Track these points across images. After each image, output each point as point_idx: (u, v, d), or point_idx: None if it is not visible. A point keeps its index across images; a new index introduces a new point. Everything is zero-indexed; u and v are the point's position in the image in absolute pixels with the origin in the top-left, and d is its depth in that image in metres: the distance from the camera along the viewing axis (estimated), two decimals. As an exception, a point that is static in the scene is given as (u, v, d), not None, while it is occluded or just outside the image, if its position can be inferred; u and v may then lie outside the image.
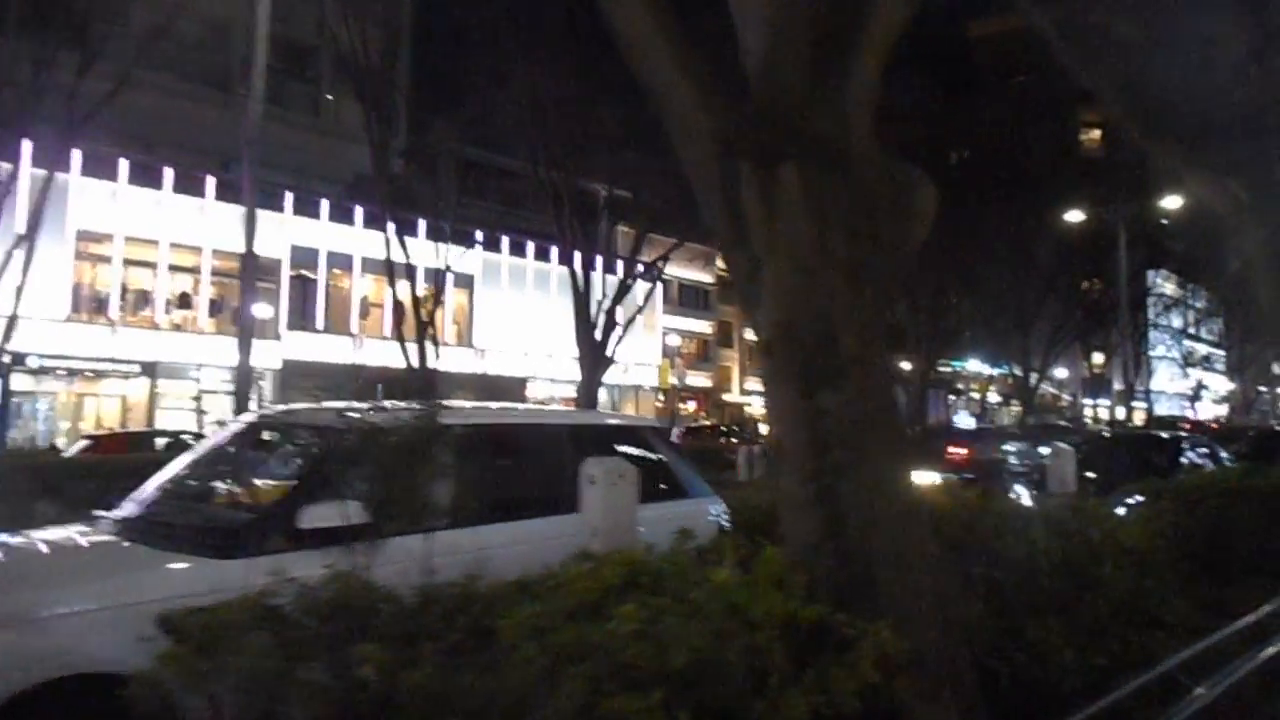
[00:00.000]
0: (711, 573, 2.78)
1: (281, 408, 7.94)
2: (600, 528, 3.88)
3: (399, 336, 25.70)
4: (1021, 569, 3.48)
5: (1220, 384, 70.56)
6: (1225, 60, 9.87)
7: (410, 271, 25.63)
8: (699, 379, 44.32)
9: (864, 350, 3.47)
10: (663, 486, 5.34)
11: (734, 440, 25.62)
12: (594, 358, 28.28)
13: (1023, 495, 9.73)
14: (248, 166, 14.43)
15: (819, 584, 3.31)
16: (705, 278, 43.83)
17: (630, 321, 28.65)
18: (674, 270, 42.92)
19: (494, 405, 7.06)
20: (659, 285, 41.20)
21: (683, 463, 5.64)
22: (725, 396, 45.75)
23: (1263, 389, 69.09)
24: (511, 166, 30.75)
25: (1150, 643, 3.64)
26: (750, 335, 45.55)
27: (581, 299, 28.23)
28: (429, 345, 26.19)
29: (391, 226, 25.22)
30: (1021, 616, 3.44)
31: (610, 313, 28.71)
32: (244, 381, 13.94)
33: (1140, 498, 8.01)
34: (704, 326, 45.09)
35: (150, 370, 27.76)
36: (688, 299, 44.13)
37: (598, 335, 28.40)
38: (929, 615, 3.31)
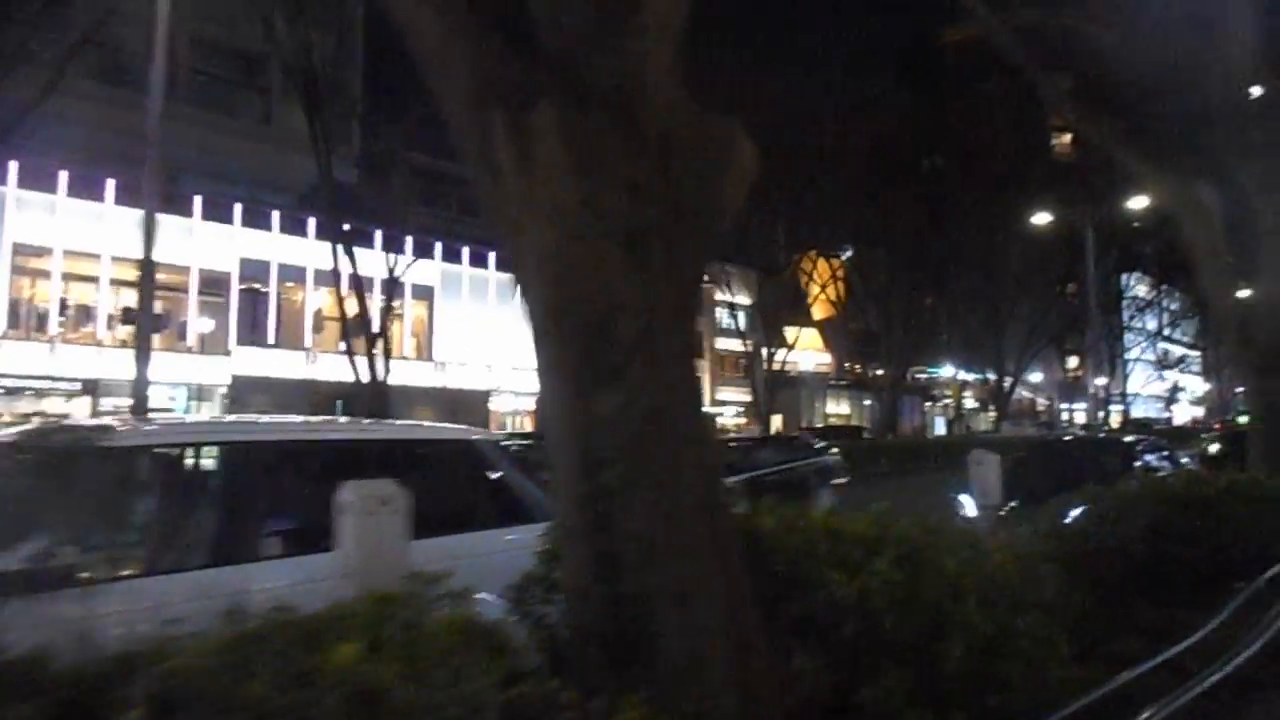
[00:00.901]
0: (331, 650, 1.98)
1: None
2: (356, 566, 3.13)
3: (348, 350, 24.95)
4: (855, 609, 2.79)
5: (1197, 385, 70.54)
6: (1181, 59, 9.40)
7: (359, 283, 24.89)
8: (669, 389, 43.61)
9: (651, 338, 2.77)
10: (492, 511, 4.61)
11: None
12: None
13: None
14: (149, 170, 13.60)
15: (590, 638, 2.61)
16: (674, 286, 43.26)
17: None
18: (642, 279, 42.38)
19: (259, 419, 6.15)
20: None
21: (526, 482, 4.89)
22: (696, 407, 45.09)
23: (1240, 389, 69.04)
24: (470, 175, 29.94)
25: (1013, 702, 2.93)
26: (722, 345, 44.99)
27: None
28: (381, 359, 25.54)
29: (339, 237, 24.58)
30: (855, 670, 2.74)
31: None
32: (141, 397, 13.10)
33: (1082, 507, 7.38)
34: (673, 336, 44.45)
35: (92, 388, 26.80)
36: (656, 308, 43.48)
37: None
38: (725, 674, 2.60)
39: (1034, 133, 46.45)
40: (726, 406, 45.94)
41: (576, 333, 2.81)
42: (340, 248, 24.54)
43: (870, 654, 2.77)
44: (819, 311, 49.53)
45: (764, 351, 37.85)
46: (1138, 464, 11.14)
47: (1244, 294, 8.28)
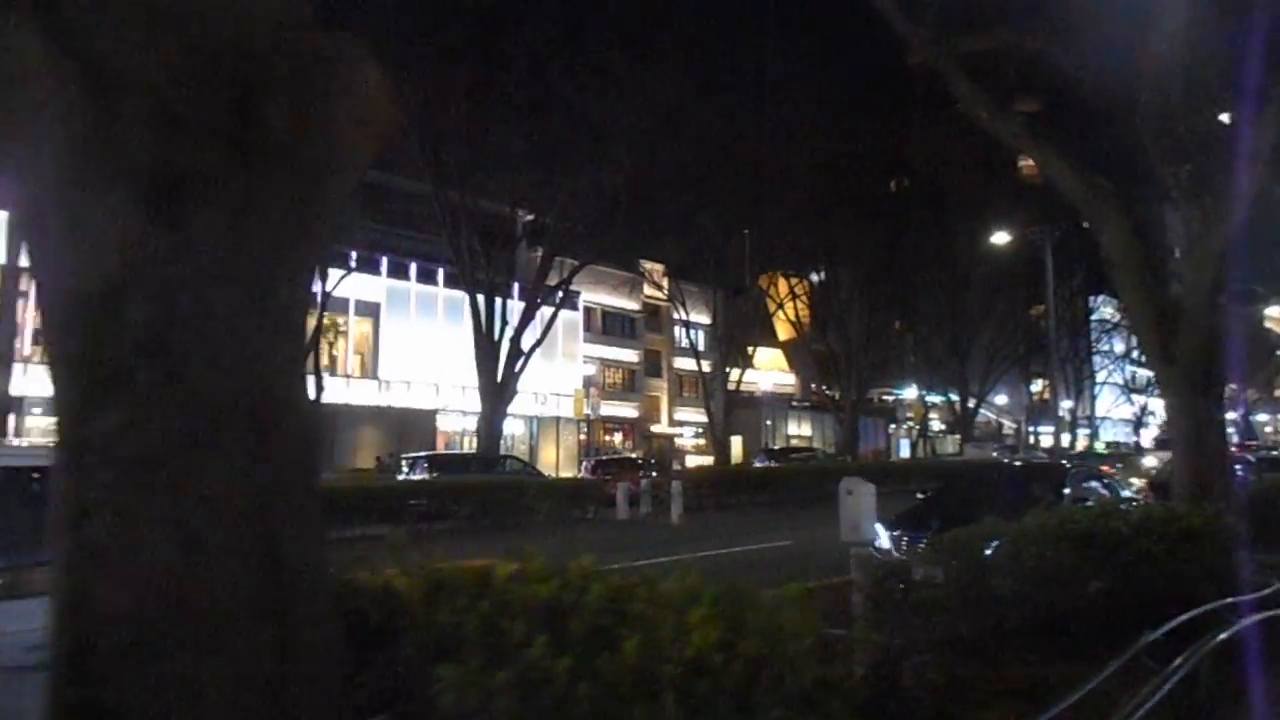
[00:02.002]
0: None
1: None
2: None
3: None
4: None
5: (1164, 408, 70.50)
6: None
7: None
8: (626, 409, 42.71)
9: (179, 336, 1.91)
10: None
11: (637, 473, 23.99)
12: (495, 389, 26.62)
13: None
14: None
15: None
16: (630, 305, 42.45)
17: (533, 350, 27.03)
18: (597, 297, 41.53)
19: None
20: (579, 312, 39.82)
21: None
22: (654, 427, 44.16)
23: (1230, 415, 69.05)
24: (419, 190, 29.07)
25: None
26: (682, 364, 44.18)
27: (480, 326, 26.63)
28: (317, 376, 24.50)
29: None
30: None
31: (515, 341, 27.14)
32: (3, 415, 12.08)
33: (996, 542, 6.58)
34: (630, 355, 43.57)
35: (16, 406, 25.52)
36: (612, 327, 42.63)
37: (500, 364, 26.77)
38: None
39: (1000, 154, 46.35)
40: (685, 427, 45.13)
41: (72, 319, 1.94)
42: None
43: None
44: (783, 332, 49.06)
45: (726, 372, 37.13)
46: (1068, 492, 10.38)
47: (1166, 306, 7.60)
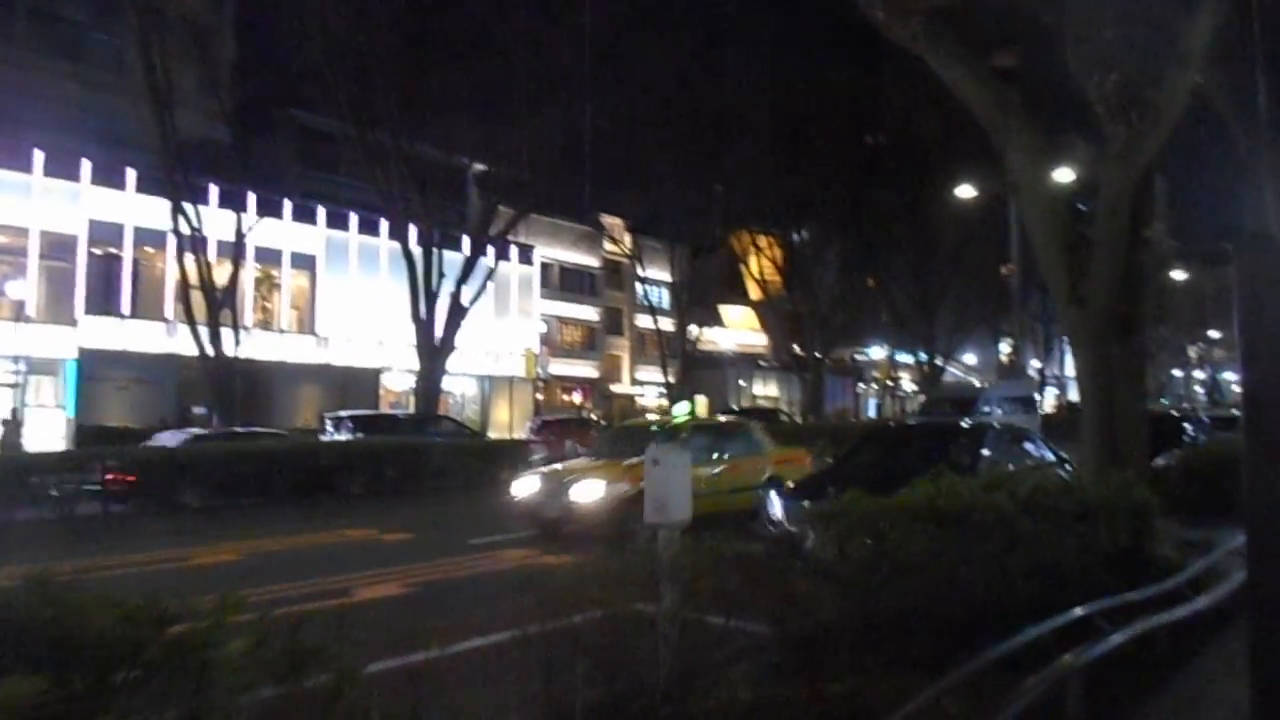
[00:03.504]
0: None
1: None
2: None
3: (188, 319, 22.53)
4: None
5: (1136, 369, 70.11)
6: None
7: (203, 245, 22.48)
8: (585, 369, 41.56)
9: None
10: None
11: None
12: (433, 346, 25.36)
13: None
14: None
15: None
16: (591, 261, 41.09)
17: (471, 304, 25.72)
18: (555, 253, 40.17)
19: None
20: (535, 267, 38.45)
21: None
22: (614, 387, 43.05)
23: (1176, 372, 68.95)
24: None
25: None
26: (645, 323, 43.04)
27: (415, 278, 25.28)
28: (232, 331, 23.17)
29: (174, 194, 22.11)
30: None
31: (456, 295, 25.82)
32: None
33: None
34: (589, 313, 42.29)
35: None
36: (571, 284, 41.31)
37: (439, 320, 25.48)
38: None
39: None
40: (647, 387, 44.08)
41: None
42: (186, 207, 22.16)
43: None
44: (756, 291, 47.78)
45: (690, 330, 35.95)
46: (987, 453, 9.36)
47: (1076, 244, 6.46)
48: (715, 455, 11.72)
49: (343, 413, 22.21)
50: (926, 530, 4.93)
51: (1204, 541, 6.57)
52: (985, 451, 9.36)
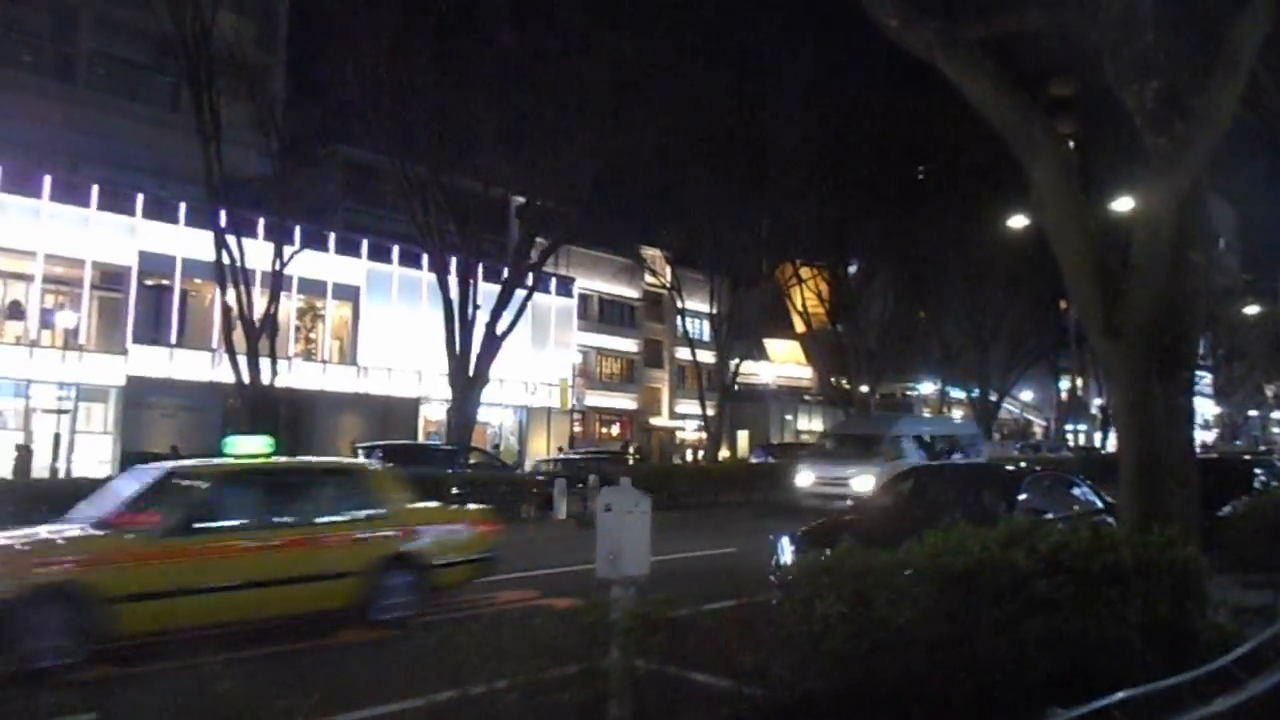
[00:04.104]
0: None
1: None
2: None
3: (228, 348, 22.68)
4: None
5: (1207, 408, 67.29)
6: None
7: (242, 275, 22.68)
8: (624, 401, 41.11)
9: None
10: None
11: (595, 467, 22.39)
12: (466, 376, 25.20)
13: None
14: None
15: None
16: (630, 293, 40.78)
17: (506, 334, 25.53)
18: (594, 284, 39.99)
19: None
20: (574, 299, 38.31)
21: None
22: (653, 420, 42.48)
23: (1253, 413, 65.93)
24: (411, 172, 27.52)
25: None
26: (686, 355, 42.53)
27: (451, 310, 25.21)
28: (269, 360, 23.25)
29: (218, 227, 22.38)
30: None
31: (491, 325, 25.69)
32: None
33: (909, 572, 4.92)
34: (629, 345, 41.91)
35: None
36: (610, 315, 41.02)
37: (474, 350, 25.34)
38: None
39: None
40: (687, 420, 43.39)
41: None
42: (231, 239, 22.42)
43: None
44: (798, 323, 46.93)
45: (725, 363, 35.30)
46: (1024, 498, 8.66)
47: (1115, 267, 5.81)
48: (276, 519, 7.80)
49: (372, 443, 22.07)
50: (927, 592, 4.33)
51: (1269, 607, 5.78)
52: (1023, 496, 8.66)
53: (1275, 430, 67.05)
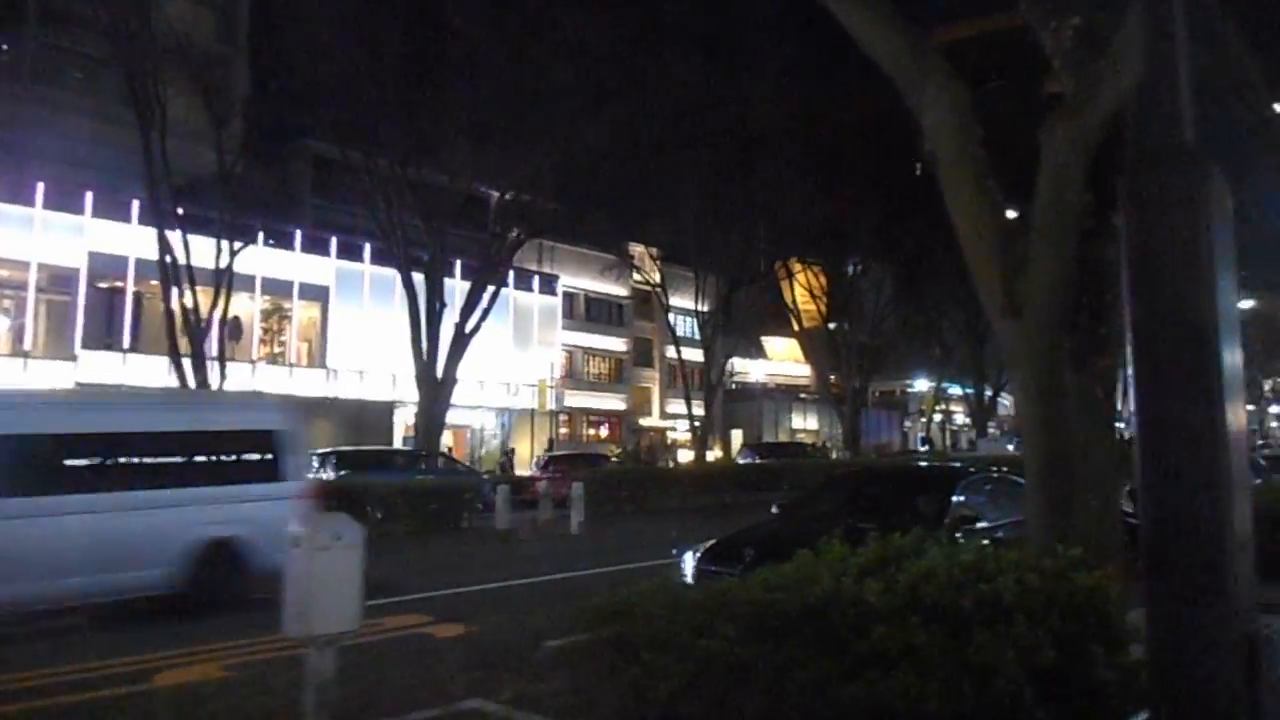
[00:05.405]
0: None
1: None
2: None
3: (172, 351, 21.82)
4: None
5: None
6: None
7: (189, 274, 21.82)
8: (612, 401, 40.12)
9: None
10: None
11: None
12: (432, 378, 24.32)
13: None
14: None
15: None
16: (618, 290, 39.77)
17: (473, 333, 24.62)
18: (582, 282, 39.02)
19: None
20: (558, 298, 37.41)
21: None
22: (643, 420, 41.47)
23: (1250, 407, 64.76)
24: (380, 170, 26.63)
25: None
26: (673, 353, 41.54)
27: (416, 308, 24.34)
28: (217, 363, 22.44)
29: (161, 224, 21.55)
30: None
31: (460, 325, 24.80)
32: None
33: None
34: (617, 344, 40.88)
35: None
36: (597, 314, 40.02)
37: (441, 350, 24.47)
38: None
39: (1025, 134, 42.58)
40: (678, 420, 42.37)
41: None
42: (176, 236, 21.59)
43: None
44: (794, 321, 45.79)
45: (711, 361, 34.29)
46: (960, 499, 7.69)
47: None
48: None
49: (328, 449, 21.16)
50: (743, 638, 3.37)
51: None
52: (957, 499, 7.66)
53: (1273, 425, 65.84)
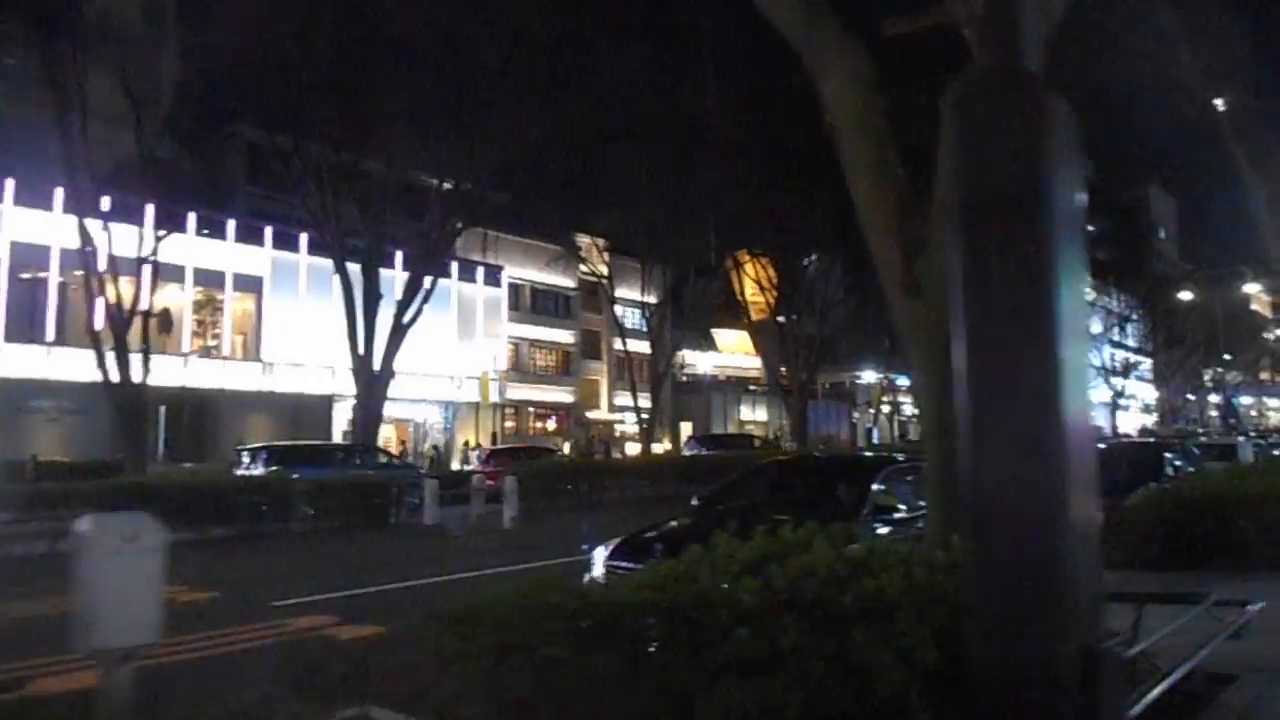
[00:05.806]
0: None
1: None
2: None
3: (93, 342, 20.96)
4: None
5: (1147, 392, 67.55)
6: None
7: (110, 263, 20.97)
8: (559, 394, 39.69)
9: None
10: None
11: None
12: (369, 371, 23.71)
13: None
14: None
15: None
16: (565, 282, 39.31)
17: (409, 324, 24.04)
18: (528, 274, 38.53)
19: None
20: (503, 289, 36.89)
21: None
22: (591, 413, 41.09)
23: (1190, 396, 66.43)
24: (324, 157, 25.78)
25: None
26: (621, 346, 41.23)
27: (352, 299, 23.70)
28: (141, 356, 21.58)
29: (82, 211, 20.66)
30: None
31: (398, 317, 24.21)
32: None
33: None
34: (564, 336, 40.45)
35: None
36: (544, 305, 39.55)
37: (379, 342, 23.86)
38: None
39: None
40: (627, 413, 42.15)
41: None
42: (96, 223, 20.71)
43: None
44: (744, 314, 45.72)
45: (675, 354, 34.10)
46: (879, 488, 7.47)
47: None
48: None
49: (259, 444, 20.49)
50: (589, 644, 3.08)
51: (1126, 633, 4.53)
52: (876, 488, 7.44)
53: (1212, 414, 67.73)
